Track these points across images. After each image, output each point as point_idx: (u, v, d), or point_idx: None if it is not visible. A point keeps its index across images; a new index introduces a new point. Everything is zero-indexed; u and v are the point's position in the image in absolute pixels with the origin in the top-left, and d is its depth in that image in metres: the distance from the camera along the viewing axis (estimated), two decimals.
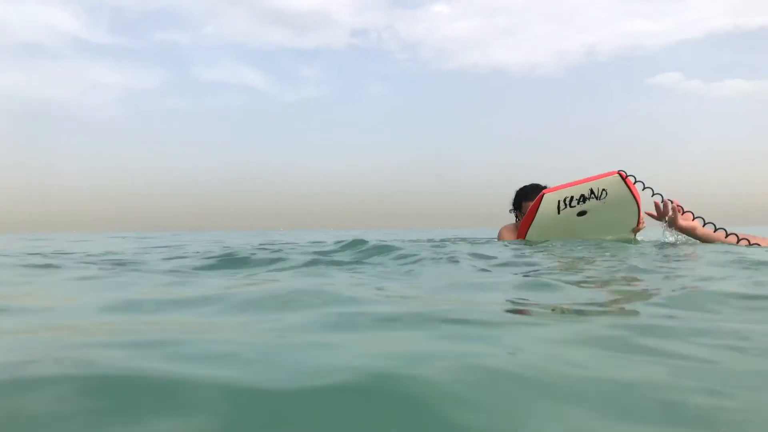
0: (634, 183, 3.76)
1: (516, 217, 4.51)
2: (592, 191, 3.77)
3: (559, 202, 3.82)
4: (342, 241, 3.71)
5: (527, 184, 4.49)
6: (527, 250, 3.28)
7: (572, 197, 3.79)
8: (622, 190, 3.75)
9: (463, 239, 5.12)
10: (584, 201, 3.81)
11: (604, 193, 3.76)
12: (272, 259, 2.91)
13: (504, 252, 3.16)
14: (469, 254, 3.02)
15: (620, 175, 3.73)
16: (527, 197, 4.33)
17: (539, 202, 3.85)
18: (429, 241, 4.71)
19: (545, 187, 4.19)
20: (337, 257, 3.08)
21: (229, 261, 2.95)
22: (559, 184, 3.88)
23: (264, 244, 4.57)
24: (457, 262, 2.65)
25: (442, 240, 5.09)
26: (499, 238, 4.53)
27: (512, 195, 4.57)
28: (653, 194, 3.66)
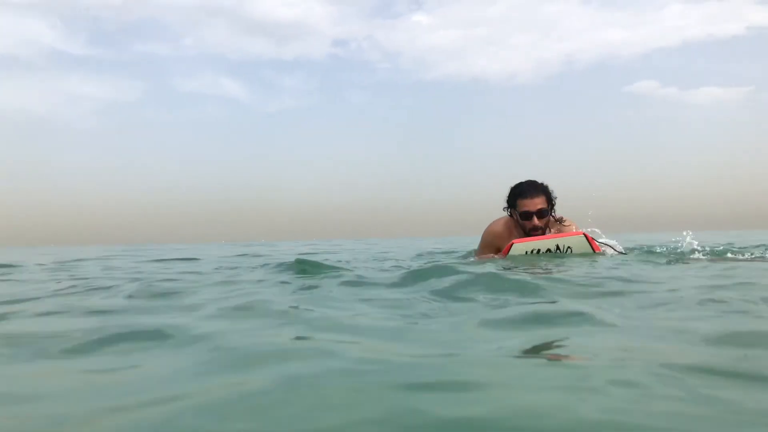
0: (598, 243, 4.13)
1: (510, 214, 4.34)
2: (558, 247, 4.03)
3: (527, 251, 4.03)
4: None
5: (522, 180, 4.34)
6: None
7: (539, 249, 4.02)
8: (585, 248, 4.08)
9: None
10: (550, 253, 4.09)
11: (569, 249, 4.05)
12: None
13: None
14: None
15: (585, 236, 4.06)
16: (523, 195, 4.18)
17: (509, 249, 4.04)
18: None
19: (542, 185, 4.19)
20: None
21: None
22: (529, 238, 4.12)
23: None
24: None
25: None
26: (489, 234, 4.37)
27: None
28: (612, 253, 4.18)
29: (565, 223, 4.22)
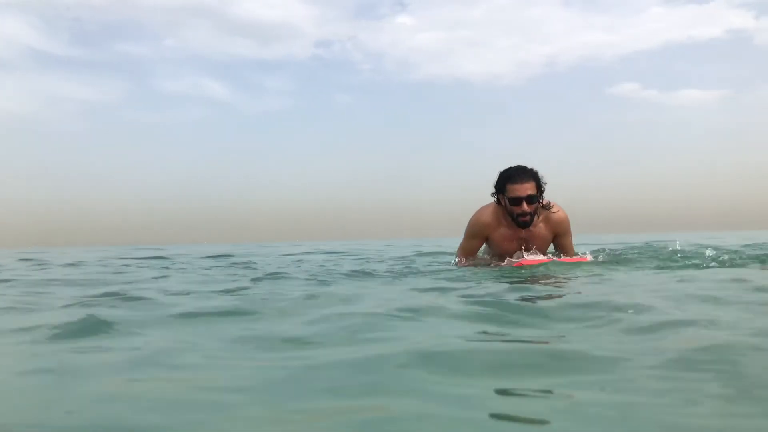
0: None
1: (498, 200, 4.14)
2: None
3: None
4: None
5: (518, 165, 4.13)
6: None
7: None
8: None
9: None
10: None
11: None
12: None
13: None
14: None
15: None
16: (512, 179, 3.98)
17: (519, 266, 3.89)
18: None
19: (532, 170, 4.04)
20: None
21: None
22: (524, 260, 3.92)
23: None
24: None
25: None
26: (476, 223, 4.24)
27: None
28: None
29: (552, 209, 4.12)
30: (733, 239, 9.30)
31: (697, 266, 3.66)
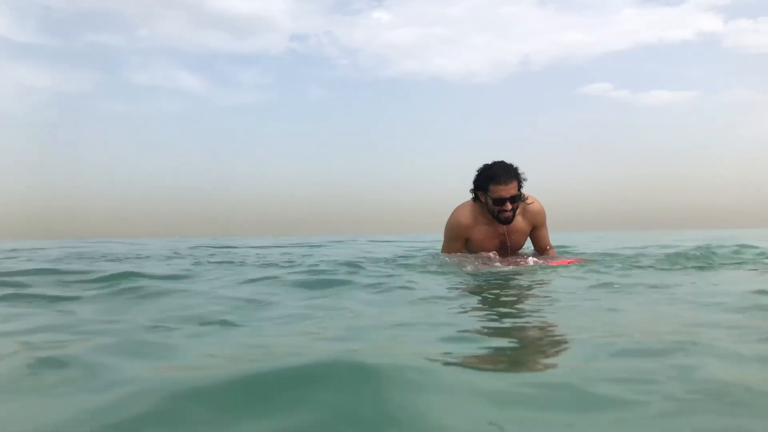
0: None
1: (476, 197, 4.07)
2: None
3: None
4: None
5: (495, 161, 4.03)
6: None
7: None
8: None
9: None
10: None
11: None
12: None
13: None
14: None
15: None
16: (496, 180, 3.90)
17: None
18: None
19: (514, 168, 3.96)
20: None
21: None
22: (510, 261, 3.92)
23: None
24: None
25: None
26: (455, 226, 4.15)
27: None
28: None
29: (528, 201, 4.09)
30: (691, 237, 9.54)
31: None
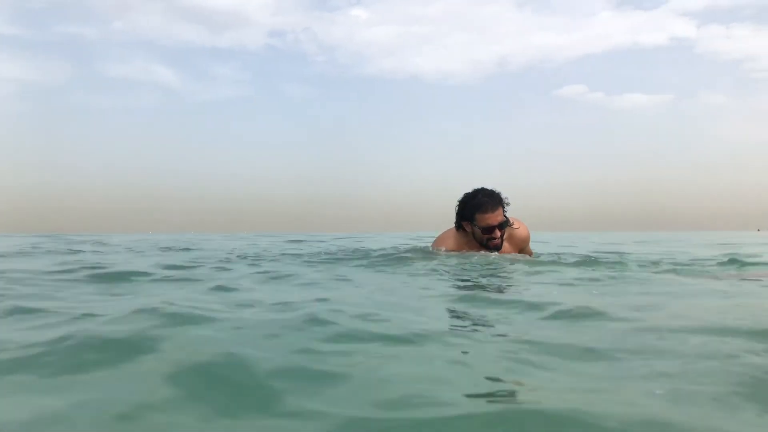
0: None
1: (461, 227, 4.05)
2: None
3: None
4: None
5: (476, 189, 3.98)
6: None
7: None
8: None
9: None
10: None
11: None
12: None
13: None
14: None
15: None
16: (483, 209, 3.88)
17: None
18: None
19: (498, 194, 3.93)
20: None
21: None
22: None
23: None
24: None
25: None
26: (437, 245, 4.12)
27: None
28: None
29: (514, 226, 4.05)
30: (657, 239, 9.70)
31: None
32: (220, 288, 2.40)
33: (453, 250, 4.04)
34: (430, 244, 4.30)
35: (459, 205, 4.02)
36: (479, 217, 3.88)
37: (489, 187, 3.99)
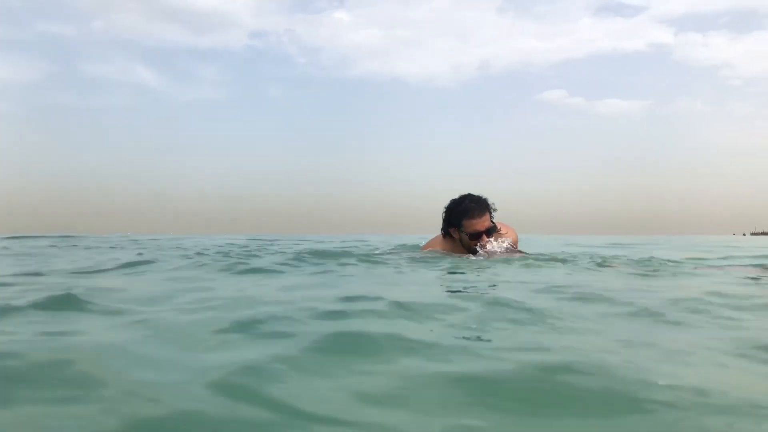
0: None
1: (448, 234, 4.01)
2: None
3: None
4: None
5: (463, 196, 3.97)
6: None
7: None
8: None
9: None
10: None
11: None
12: None
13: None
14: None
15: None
16: (470, 215, 3.86)
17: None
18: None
19: (484, 200, 3.92)
20: None
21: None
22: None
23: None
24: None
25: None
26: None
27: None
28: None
29: (501, 232, 4.00)
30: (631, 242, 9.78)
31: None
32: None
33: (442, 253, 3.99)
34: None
35: (446, 212, 3.99)
36: (466, 223, 3.86)
37: (474, 192, 3.97)
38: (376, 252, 4.34)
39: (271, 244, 7.20)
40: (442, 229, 4.05)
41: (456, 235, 3.97)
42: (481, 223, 3.85)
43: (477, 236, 3.86)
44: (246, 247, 6.22)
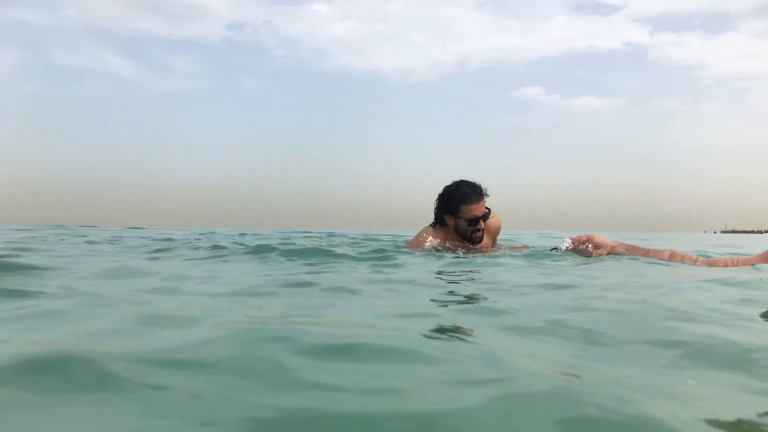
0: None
1: (441, 222, 3.93)
2: None
3: None
4: None
5: (459, 182, 3.92)
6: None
7: None
8: None
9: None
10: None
11: None
12: None
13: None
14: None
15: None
16: (468, 200, 3.79)
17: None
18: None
19: (478, 185, 3.87)
20: None
21: None
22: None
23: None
24: None
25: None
26: (417, 245, 3.94)
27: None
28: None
29: (490, 216, 3.95)
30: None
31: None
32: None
33: (435, 247, 3.91)
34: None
35: (441, 198, 3.95)
36: (465, 209, 3.81)
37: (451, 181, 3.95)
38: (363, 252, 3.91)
39: (212, 235, 7.02)
40: (436, 217, 3.99)
41: (451, 222, 3.91)
42: (479, 209, 3.83)
43: (475, 222, 3.84)
44: (171, 239, 5.91)
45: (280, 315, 1.52)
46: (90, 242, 5.26)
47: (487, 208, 3.88)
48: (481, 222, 3.85)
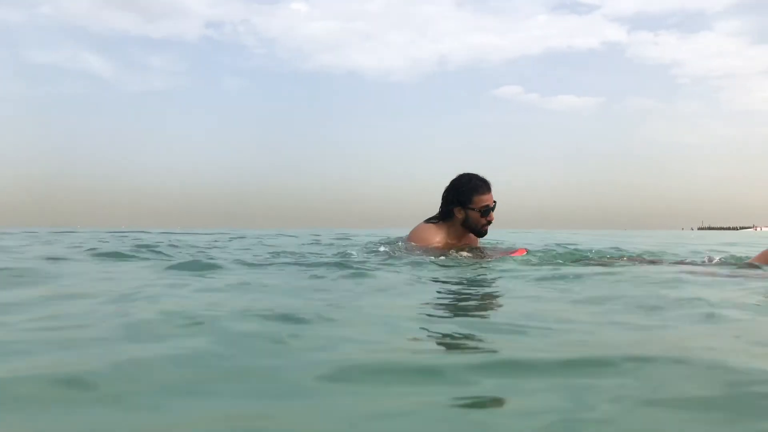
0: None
1: (450, 215, 3.87)
2: None
3: None
4: None
5: (467, 174, 3.93)
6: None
7: None
8: None
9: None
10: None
11: None
12: None
13: None
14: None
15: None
16: (480, 190, 3.79)
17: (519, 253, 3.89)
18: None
19: (485, 178, 3.89)
20: None
21: None
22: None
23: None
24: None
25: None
26: (424, 245, 3.85)
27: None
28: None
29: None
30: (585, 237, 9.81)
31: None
32: None
33: (442, 245, 3.85)
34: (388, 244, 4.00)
35: (451, 191, 3.91)
36: (478, 199, 3.80)
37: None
38: (352, 256, 3.82)
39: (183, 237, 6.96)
40: (442, 210, 3.92)
41: (461, 215, 3.85)
42: (490, 198, 3.85)
43: (488, 212, 3.83)
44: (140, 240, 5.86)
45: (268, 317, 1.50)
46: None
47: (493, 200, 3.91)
48: (491, 213, 3.86)
